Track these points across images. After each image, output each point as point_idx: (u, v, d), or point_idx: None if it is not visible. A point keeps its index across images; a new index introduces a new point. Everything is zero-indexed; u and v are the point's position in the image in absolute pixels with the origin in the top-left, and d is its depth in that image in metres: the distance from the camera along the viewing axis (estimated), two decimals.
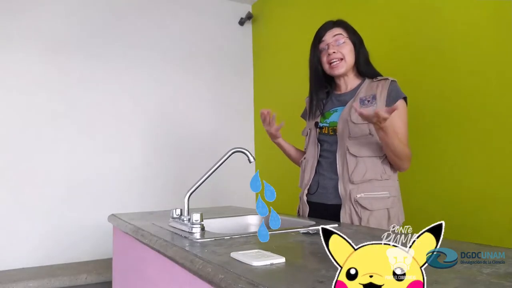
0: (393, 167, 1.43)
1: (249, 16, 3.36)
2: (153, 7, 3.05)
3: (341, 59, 1.45)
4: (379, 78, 1.46)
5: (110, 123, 2.84)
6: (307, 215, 1.52)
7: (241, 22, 3.38)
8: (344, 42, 1.46)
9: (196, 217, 1.15)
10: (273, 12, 3.18)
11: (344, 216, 1.39)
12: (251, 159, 1.38)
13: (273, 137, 1.63)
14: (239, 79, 3.36)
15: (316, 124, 1.53)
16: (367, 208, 1.36)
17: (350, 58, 1.47)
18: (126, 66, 2.91)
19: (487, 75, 1.58)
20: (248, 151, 1.37)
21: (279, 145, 1.69)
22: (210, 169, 1.32)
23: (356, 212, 1.37)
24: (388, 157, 1.39)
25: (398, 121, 1.40)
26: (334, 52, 1.45)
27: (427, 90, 1.81)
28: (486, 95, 1.58)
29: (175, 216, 1.29)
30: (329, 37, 1.47)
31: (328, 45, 1.46)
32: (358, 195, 1.37)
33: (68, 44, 2.73)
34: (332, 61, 1.46)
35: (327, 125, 1.50)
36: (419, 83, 1.85)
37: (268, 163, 3.10)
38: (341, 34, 1.46)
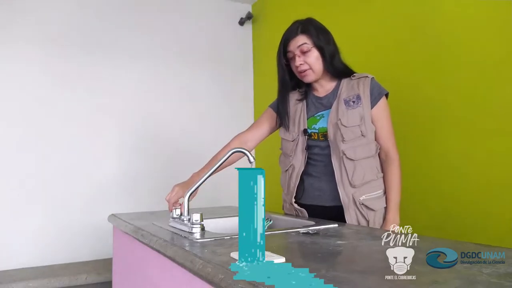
0: (380, 164, 1.46)
1: (249, 16, 3.36)
2: (153, 7, 3.04)
3: (309, 68, 1.44)
4: (356, 76, 1.45)
5: (110, 123, 2.83)
6: (307, 216, 1.52)
7: (241, 22, 3.38)
8: (309, 51, 1.42)
9: (196, 217, 1.15)
10: (273, 12, 3.18)
11: (350, 220, 1.38)
12: (251, 159, 1.38)
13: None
14: (239, 79, 3.36)
15: (305, 131, 1.49)
16: (372, 209, 1.37)
17: (317, 66, 1.44)
18: (125, 67, 2.90)
19: (488, 74, 1.58)
20: (248, 151, 1.36)
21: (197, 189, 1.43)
22: (210, 169, 1.31)
23: (363, 215, 1.37)
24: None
25: (383, 120, 1.42)
26: (301, 64, 1.43)
27: (427, 90, 1.81)
28: (487, 95, 1.58)
29: (175, 216, 1.29)
30: (294, 47, 1.44)
31: (294, 56, 1.44)
32: (361, 198, 1.37)
33: (67, 44, 2.73)
34: (300, 71, 1.45)
35: (317, 131, 1.47)
36: (419, 83, 1.85)
37: (268, 163, 3.09)
38: (305, 43, 1.42)
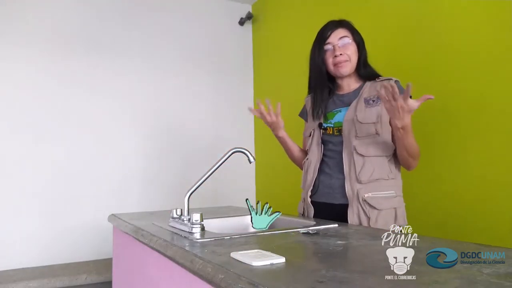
0: (398, 166, 1.44)
1: (249, 16, 3.36)
2: (153, 7, 3.05)
3: (347, 60, 1.46)
4: (381, 78, 1.47)
5: (111, 123, 2.84)
6: (312, 216, 1.52)
7: (241, 22, 3.38)
8: (349, 43, 1.47)
9: (196, 217, 1.15)
10: (273, 12, 3.18)
11: (352, 216, 1.38)
12: (251, 159, 1.39)
13: (276, 128, 1.57)
14: (239, 79, 3.36)
15: (320, 125, 1.53)
16: (375, 207, 1.36)
17: (354, 58, 1.48)
18: (126, 67, 2.90)
19: (488, 74, 1.58)
20: (248, 151, 1.37)
21: (282, 140, 1.63)
22: (210, 169, 1.32)
23: (364, 212, 1.37)
24: (401, 157, 1.40)
25: None
26: (341, 54, 1.45)
27: (427, 89, 1.81)
28: (486, 95, 1.58)
29: (175, 216, 1.29)
30: (335, 38, 1.47)
31: (334, 46, 1.47)
32: (366, 195, 1.37)
33: (68, 43, 2.73)
34: (339, 61, 1.46)
35: (332, 125, 1.50)
36: (419, 82, 1.84)
37: (268, 163, 3.09)
38: (346, 36, 1.47)
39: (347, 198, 1.41)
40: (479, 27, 1.62)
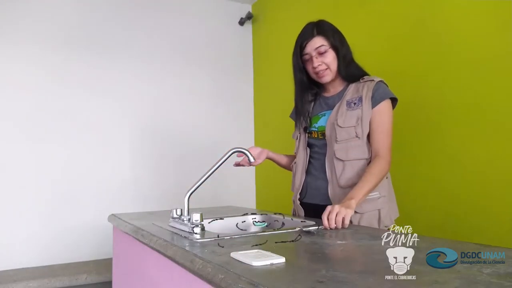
0: None
1: (249, 16, 3.36)
2: (152, 7, 3.05)
3: (326, 68, 1.45)
4: (366, 78, 1.45)
5: (111, 123, 2.84)
6: (303, 215, 1.52)
7: (241, 22, 3.38)
8: (326, 52, 1.43)
9: (196, 217, 1.15)
10: (273, 12, 3.18)
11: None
12: (251, 159, 1.39)
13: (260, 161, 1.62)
14: (239, 79, 3.36)
15: (306, 129, 1.54)
16: (357, 211, 1.33)
17: (334, 65, 1.45)
18: (126, 67, 2.90)
19: (488, 74, 1.58)
20: (248, 151, 1.37)
21: (271, 159, 1.68)
22: (210, 169, 1.31)
23: None
24: None
25: (380, 123, 1.38)
26: (319, 65, 1.44)
27: (427, 89, 1.81)
28: (486, 95, 1.58)
29: (175, 216, 1.29)
30: (311, 49, 1.44)
31: (311, 57, 1.45)
32: None
33: (68, 43, 2.73)
34: (318, 71, 1.45)
35: (316, 129, 1.50)
36: (419, 82, 1.85)
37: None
38: (322, 45, 1.43)
39: (330, 200, 1.41)
40: (479, 28, 1.62)
